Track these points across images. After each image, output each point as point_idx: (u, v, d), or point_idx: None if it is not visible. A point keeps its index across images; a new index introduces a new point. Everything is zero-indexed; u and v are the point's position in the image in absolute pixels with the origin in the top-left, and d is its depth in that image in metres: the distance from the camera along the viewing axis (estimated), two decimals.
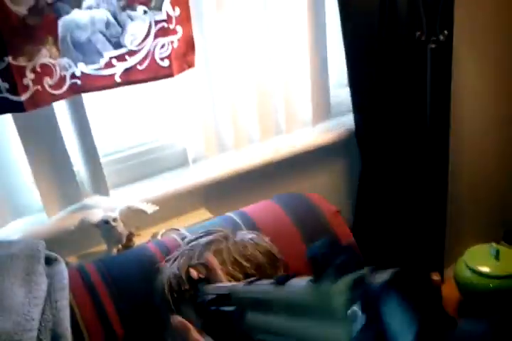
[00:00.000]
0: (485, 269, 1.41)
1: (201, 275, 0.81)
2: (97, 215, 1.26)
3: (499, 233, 1.89)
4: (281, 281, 0.54)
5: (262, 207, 1.20)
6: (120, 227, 1.26)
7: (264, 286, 0.60)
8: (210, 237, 0.93)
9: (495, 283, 1.38)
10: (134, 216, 1.29)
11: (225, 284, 0.75)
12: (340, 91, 1.65)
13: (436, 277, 1.47)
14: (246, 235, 0.95)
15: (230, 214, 1.18)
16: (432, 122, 1.62)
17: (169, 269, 0.91)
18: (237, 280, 0.83)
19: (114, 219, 1.24)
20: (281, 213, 1.15)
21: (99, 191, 1.32)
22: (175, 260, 0.93)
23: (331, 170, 1.66)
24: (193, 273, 0.83)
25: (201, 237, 0.96)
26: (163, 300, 0.89)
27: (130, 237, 1.28)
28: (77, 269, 1.07)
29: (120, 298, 1.01)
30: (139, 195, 1.33)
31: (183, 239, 1.11)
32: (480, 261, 1.42)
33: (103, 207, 1.29)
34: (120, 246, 1.27)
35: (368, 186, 1.62)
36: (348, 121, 1.61)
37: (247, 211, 1.18)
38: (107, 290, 1.02)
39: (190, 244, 0.95)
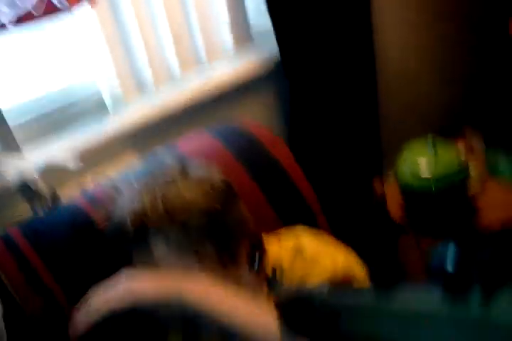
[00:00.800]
0: (423, 169, 1.33)
1: None
2: (12, 176, 1.12)
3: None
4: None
5: (194, 140, 1.09)
6: (41, 186, 1.13)
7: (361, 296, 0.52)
8: (167, 178, 0.85)
9: (439, 183, 1.32)
10: (56, 172, 1.16)
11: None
12: (261, 18, 1.54)
13: (377, 183, 1.42)
14: (199, 167, 0.90)
15: (159, 151, 1.07)
16: (356, 46, 1.56)
17: (127, 204, 0.83)
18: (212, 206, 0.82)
19: (33, 179, 1.11)
20: (215, 143, 1.06)
21: (9, 149, 1.18)
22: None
23: (261, 99, 1.56)
24: None
25: (156, 177, 0.87)
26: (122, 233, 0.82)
27: (55, 195, 1.15)
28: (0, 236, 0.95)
29: (52, 258, 0.90)
30: (57, 148, 1.20)
31: (113, 187, 1.01)
32: (418, 158, 1.35)
33: (18, 166, 1.15)
34: (46, 206, 1.14)
35: (300, 111, 1.55)
36: (273, 48, 1.51)
37: (178, 145, 1.08)
38: (36, 253, 0.90)
39: (145, 183, 0.86)
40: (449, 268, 0.35)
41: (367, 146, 1.71)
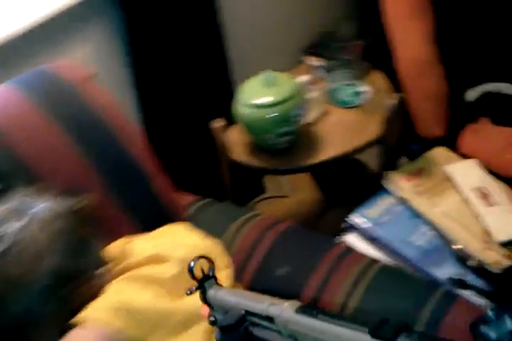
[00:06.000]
0: (260, 100, 1.30)
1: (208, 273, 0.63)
2: None
3: None
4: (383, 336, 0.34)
5: None
6: None
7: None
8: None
9: (274, 111, 1.29)
10: None
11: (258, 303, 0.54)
12: None
13: (218, 123, 1.38)
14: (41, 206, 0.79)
15: None
16: None
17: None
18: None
19: None
20: (18, 95, 0.94)
21: None
22: None
23: (91, 35, 1.40)
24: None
25: None
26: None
27: None
28: None
29: None
30: None
31: None
32: (255, 94, 1.31)
33: None
34: None
35: (139, 43, 1.44)
36: None
37: None
38: None
39: None
40: None
41: (215, 87, 1.64)
